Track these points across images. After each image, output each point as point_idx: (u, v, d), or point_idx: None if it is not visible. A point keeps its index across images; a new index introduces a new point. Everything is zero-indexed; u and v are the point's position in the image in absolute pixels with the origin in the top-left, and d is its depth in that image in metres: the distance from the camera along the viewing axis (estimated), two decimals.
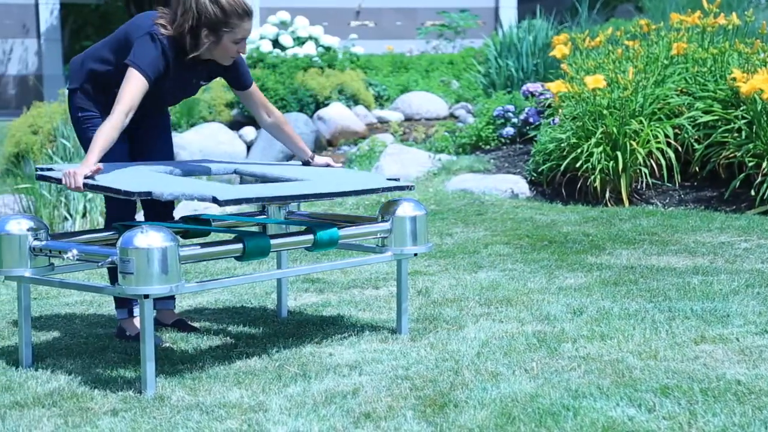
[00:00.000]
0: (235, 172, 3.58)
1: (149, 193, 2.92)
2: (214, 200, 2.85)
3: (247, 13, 3.32)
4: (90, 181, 3.04)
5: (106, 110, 3.41)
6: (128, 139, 3.54)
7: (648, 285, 4.09)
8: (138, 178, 3.14)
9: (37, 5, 21.07)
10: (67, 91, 3.54)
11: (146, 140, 3.64)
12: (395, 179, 3.52)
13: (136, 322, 3.53)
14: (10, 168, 12.09)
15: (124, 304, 3.55)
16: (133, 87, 3.23)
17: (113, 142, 3.18)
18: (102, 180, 3.05)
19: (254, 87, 3.59)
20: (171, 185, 3.01)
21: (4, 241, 3.09)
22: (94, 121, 3.45)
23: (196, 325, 3.72)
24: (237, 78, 3.54)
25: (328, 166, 3.72)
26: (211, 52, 3.37)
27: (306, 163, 3.72)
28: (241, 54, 3.42)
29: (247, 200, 2.93)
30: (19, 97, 21.01)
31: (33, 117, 13.15)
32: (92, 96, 3.49)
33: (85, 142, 3.47)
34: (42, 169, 3.26)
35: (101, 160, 3.17)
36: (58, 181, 3.10)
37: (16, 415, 2.74)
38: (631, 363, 3.01)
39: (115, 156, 3.39)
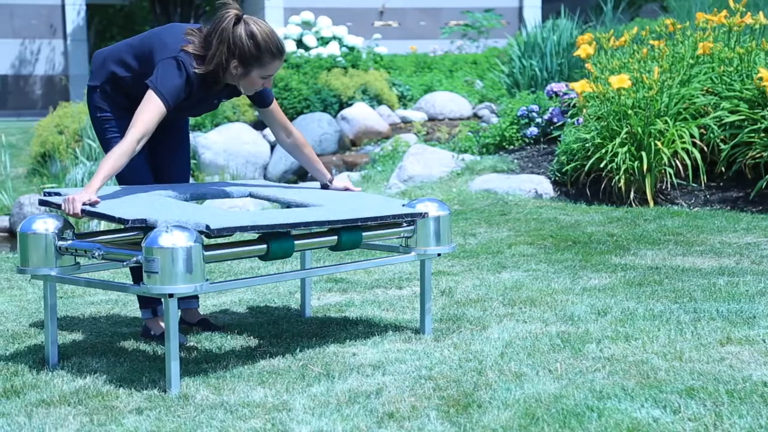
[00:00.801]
0: (250, 195, 3.58)
1: (144, 221, 2.92)
2: (207, 229, 2.85)
3: (280, 52, 3.29)
4: (88, 208, 3.04)
5: (124, 113, 3.42)
6: (147, 147, 3.55)
7: (673, 286, 4.07)
8: (137, 204, 3.14)
9: (63, 6, 21.23)
10: (87, 87, 3.52)
11: (164, 151, 3.64)
12: (411, 207, 3.47)
13: (161, 321, 3.55)
14: (37, 168, 12.19)
15: (149, 304, 3.57)
16: (152, 113, 3.20)
17: (121, 168, 3.16)
18: (100, 206, 3.05)
19: (275, 105, 3.57)
20: (167, 212, 3.01)
21: (30, 240, 3.12)
22: (111, 123, 3.45)
23: (220, 324, 3.74)
24: (259, 96, 3.52)
25: (346, 189, 3.69)
26: (236, 81, 3.34)
27: (324, 186, 3.70)
28: (266, 87, 3.39)
29: (242, 229, 2.93)
30: (46, 97, 21.18)
31: (59, 117, 13.25)
32: (111, 97, 3.47)
33: (104, 143, 3.49)
34: (48, 194, 3.26)
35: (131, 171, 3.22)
36: (58, 206, 3.11)
37: (42, 413, 2.76)
38: (656, 364, 3.00)
39: (134, 163, 3.39)
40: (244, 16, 3.30)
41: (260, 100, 3.53)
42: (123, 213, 2.96)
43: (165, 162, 3.64)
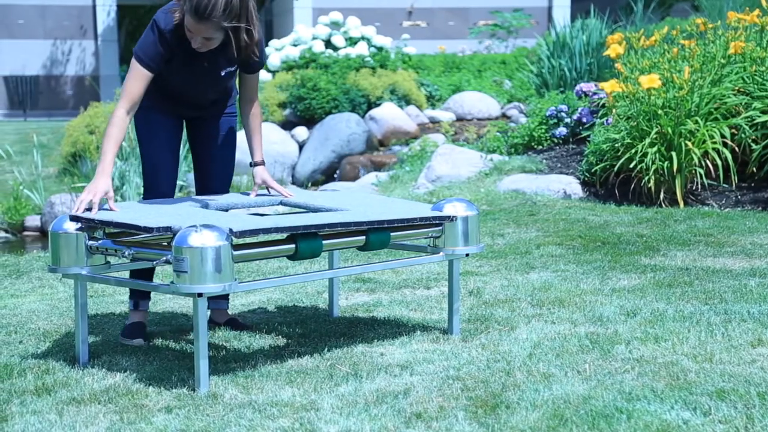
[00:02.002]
0: (281, 203, 3.60)
1: (169, 228, 2.93)
2: (230, 231, 2.87)
3: (196, 12, 3.19)
4: (114, 219, 3.06)
5: (155, 102, 3.49)
6: (181, 124, 3.60)
7: (703, 287, 4.04)
8: (162, 213, 3.15)
9: (94, 7, 21.40)
10: None
11: (201, 146, 3.67)
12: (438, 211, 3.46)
13: (137, 316, 3.59)
14: (68, 167, 12.30)
15: (133, 296, 3.61)
16: (135, 79, 3.29)
17: (122, 140, 3.24)
18: (124, 216, 3.07)
19: (256, 75, 3.57)
20: (191, 219, 3.03)
21: (61, 239, 3.14)
22: (139, 114, 3.50)
23: (249, 323, 3.75)
24: (250, 66, 3.51)
25: (263, 182, 3.65)
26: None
27: (250, 165, 3.67)
28: (196, 48, 3.31)
29: (265, 231, 2.95)
30: (77, 97, 21.36)
31: (90, 117, 13.36)
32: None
33: (137, 136, 3.58)
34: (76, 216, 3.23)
35: (153, 144, 3.31)
36: (89, 221, 3.11)
37: (73, 411, 2.78)
38: (685, 366, 2.97)
39: (163, 139, 3.48)
40: None
41: (249, 69, 3.53)
42: (148, 222, 2.98)
43: (206, 161, 3.68)
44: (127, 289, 4.42)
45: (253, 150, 3.65)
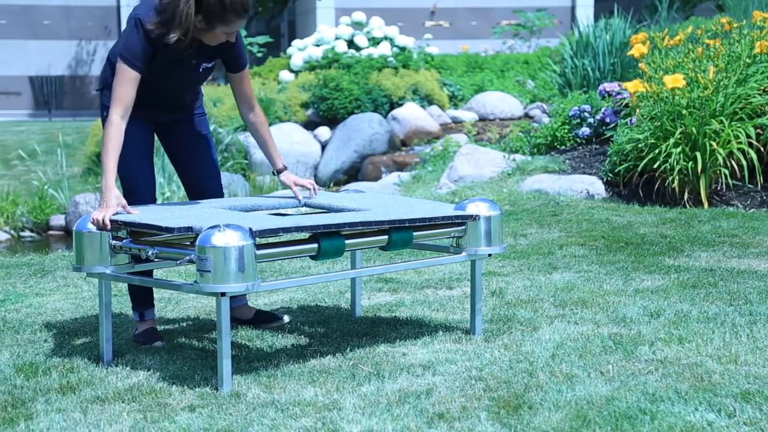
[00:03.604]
0: (305, 205, 3.60)
1: (190, 228, 2.94)
2: (251, 231, 2.88)
3: (245, 11, 3.22)
4: (136, 220, 3.06)
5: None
6: (152, 129, 3.55)
7: (728, 288, 4.01)
8: (183, 214, 3.16)
9: (118, 7, 21.52)
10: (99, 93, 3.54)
11: (181, 151, 3.62)
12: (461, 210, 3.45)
13: (145, 325, 3.56)
14: (92, 167, 12.37)
15: (138, 306, 3.57)
16: (125, 83, 3.23)
17: (120, 146, 3.21)
18: (145, 218, 3.08)
19: (246, 73, 3.51)
20: (212, 220, 3.04)
21: (86, 238, 3.16)
22: None
23: (277, 313, 3.75)
24: (232, 59, 3.46)
25: (294, 184, 3.61)
26: (199, 34, 3.28)
27: (274, 173, 3.65)
28: (230, 39, 3.32)
29: (285, 230, 2.95)
30: None
31: None
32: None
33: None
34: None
35: (129, 149, 3.29)
36: (126, 224, 3.11)
37: (97, 410, 2.80)
38: (710, 367, 2.96)
39: (137, 142, 3.43)
40: None
41: (233, 65, 3.47)
42: (169, 222, 2.99)
43: (192, 165, 3.63)
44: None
45: (273, 158, 3.61)
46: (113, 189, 3.16)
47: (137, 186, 3.49)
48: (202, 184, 3.65)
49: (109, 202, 3.15)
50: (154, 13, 3.26)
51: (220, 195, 3.68)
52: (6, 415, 2.77)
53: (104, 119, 3.43)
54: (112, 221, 3.12)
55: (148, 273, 3.48)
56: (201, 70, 3.44)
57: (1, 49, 21.03)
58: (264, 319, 3.72)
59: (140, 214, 3.14)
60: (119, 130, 3.22)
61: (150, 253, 3.05)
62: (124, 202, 3.17)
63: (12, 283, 4.74)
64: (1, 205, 10.51)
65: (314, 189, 3.62)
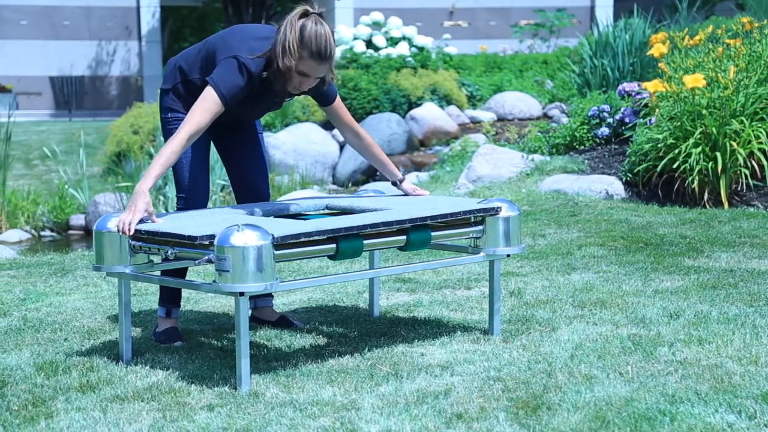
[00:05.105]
0: (327, 207, 3.61)
1: (212, 236, 2.94)
2: (273, 238, 2.88)
3: (320, 55, 3.23)
4: (159, 228, 3.07)
5: None
6: (211, 138, 3.60)
7: (748, 289, 3.99)
8: (205, 222, 3.16)
9: (138, 8, 21.62)
10: (160, 91, 3.59)
11: (239, 149, 3.67)
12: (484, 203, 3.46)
13: (169, 323, 3.58)
14: (112, 167, 12.44)
15: (165, 302, 3.58)
16: (206, 110, 3.23)
17: (173, 163, 3.22)
18: (168, 227, 3.08)
19: (339, 103, 3.54)
20: None
21: (105, 238, 3.18)
22: (179, 123, 3.47)
23: (297, 321, 3.76)
24: (322, 94, 3.50)
25: (414, 192, 3.68)
26: (280, 77, 3.30)
27: (394, 184, 3.69)
28: (301, 90, 3.34)
29: (306, 234, 2.96)
30: (121, 97, 21.60)
31: (134, 117, 13.50)
32: (183, 98, 3.51)
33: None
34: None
35: (189, 156, 3.30)
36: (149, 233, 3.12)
37: (116, 408, 2.81)
38: (730, 368, 2.94)
39: (196, 147, 3.48)
40: (313, 13, 3.27)
41: (321, 98, 3.51)
42: (192, 231, 2.99)
43: (243, 161, 3.68)
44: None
45: (391, 171, 3.68)
46: (146, 195, 3.14)
47: (196, 196, 3.53)
48: (251, 183, 3.69)
49: (138, 207, 3.13)
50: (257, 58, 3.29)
51: (267, 195, 3.72)
52: (27, 414, 2.79)
53: (164, 120, 3.55)
54: (136, 231, 3.13)
55: (175, 271, 3.51)
56: (282, 102, 3.51)
57: (22, 50, 21.17)
58: (287, 325, 3.72)
59: (163, 223, 3.13)
60: (180, 148, 3.21)
61: (169, 252, 3.06)
62: (152, 209, 3.16)
63: (32, 282, 4.77)
64: (22, 205, 10.58)
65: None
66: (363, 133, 3.61)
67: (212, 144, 3.67)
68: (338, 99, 3.55)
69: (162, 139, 10.95)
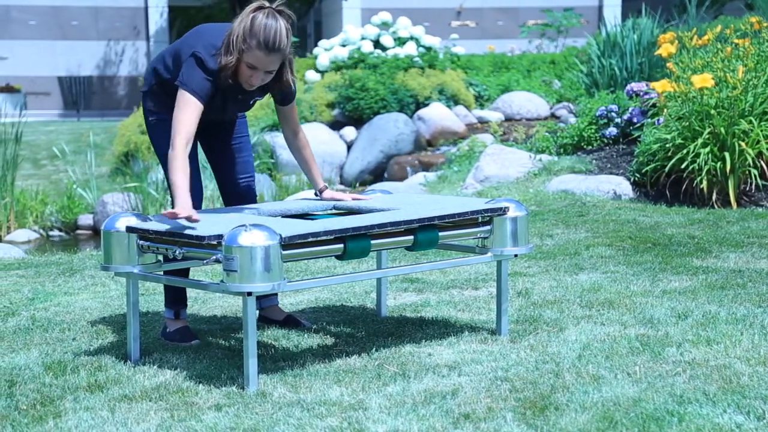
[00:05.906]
0: (334, 207, 3.62)
1: (220, 236, 2.95)
2: (281, 238, 2.89)
3: (267, 46, 3.22)
4: (167, 228, 3.06)
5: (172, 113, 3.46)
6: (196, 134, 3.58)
7: (757, 289, 3.98)
8: (212, 221, 3.16)
9: (146, 8, 21.66)
10: (142, 94, 3.61)
11: (223, 151, 3.68)
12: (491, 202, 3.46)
13: (179, 324, 3.58)
14: (120, 167, 12.46)
15: (173, 305, 3.58)
16: (188, 112, 3.26)
17: (188, 172, 3.21)
18: (175, 226, 3.07)
19: (292, 105, 3.58)
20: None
21: (113, 238, 3.19)
22: (164, 125, 3.47)
23: (305, 320, 3.76)
24: (283, 96, 3.52)
25: (333, 199, 3.63)
26: (234, 72, 3.32)
27: (316, 194, 3.69)
28: (252, 84, 3.34)
29: (314, 235, 2.96)
30: (129, 97, 21.64)
31: (142, 117, 13.50)
32: (161, 98, 3.53)
33: (156, 147, 3.56)
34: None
35: None
36: (143, 230, 3.12)
37: (124, 408, 2.82)
38: (738, 369, 2.93)
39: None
40: (268, 7, 3.27)
41: (281, 98, 3.53)
42: (200, 231, 3.00)
43: (225, 163, 3.68)
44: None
45: (315, 179, 3.67)
46: (189, 208, 3.10)
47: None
48: (236, 183, 3.70)
49: (182, 213, 3.08)
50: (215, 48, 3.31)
51: (253, 195, 3.71)
52: (35, 413, 2.80)
53: (147, 124, 3.56)
54: (140, 229, 3.13)
55: (177, 272, 3.51)
56: (251, 102, 3.53)
57: (30, 50, 21.22)
58: (295, 325, 3.72)
59: (171, 223, 3.13)
60: (185, 156, 3.21)
61: (177, 252, 3.07)
62: (196, 215, 3.12)
63: (41, 282, 4.79)
64: (30, 205, 10.60)
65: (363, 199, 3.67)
66: (302, 134, 3.63)
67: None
68: (293, 103, 3.58)
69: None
